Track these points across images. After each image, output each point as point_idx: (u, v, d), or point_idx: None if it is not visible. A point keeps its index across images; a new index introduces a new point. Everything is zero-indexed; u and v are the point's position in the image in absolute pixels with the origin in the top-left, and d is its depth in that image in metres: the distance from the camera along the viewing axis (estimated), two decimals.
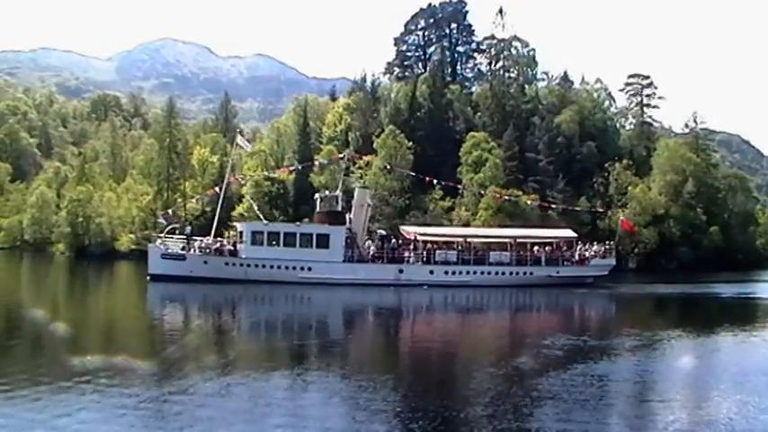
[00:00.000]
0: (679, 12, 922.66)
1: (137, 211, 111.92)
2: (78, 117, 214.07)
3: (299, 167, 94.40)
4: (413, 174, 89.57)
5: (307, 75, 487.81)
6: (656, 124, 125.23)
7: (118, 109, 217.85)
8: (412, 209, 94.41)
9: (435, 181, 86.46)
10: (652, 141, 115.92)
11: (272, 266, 60.31)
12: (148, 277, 60.05)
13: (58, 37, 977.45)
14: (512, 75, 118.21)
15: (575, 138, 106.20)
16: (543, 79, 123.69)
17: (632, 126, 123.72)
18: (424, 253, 63.33)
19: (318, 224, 66.58)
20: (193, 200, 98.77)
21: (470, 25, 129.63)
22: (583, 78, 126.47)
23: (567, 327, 41.46)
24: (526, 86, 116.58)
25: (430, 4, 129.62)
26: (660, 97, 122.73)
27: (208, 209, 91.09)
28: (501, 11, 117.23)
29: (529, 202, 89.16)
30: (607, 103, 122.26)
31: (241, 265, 60.64)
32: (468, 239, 66.66)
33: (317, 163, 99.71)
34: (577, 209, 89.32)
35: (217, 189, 79.76)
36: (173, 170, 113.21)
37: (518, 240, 66.49)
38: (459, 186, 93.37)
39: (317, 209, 69.64)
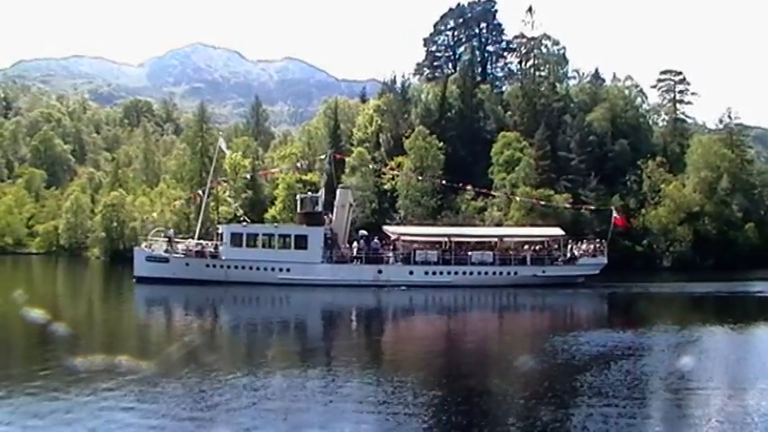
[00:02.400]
0: (712, 5, 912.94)
1: (170, 215, 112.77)
2: (111, 123, 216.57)
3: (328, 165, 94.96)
4: (443, 182, 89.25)
5: (337, 77, 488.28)
6: (689, 120, 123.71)
7: (150, 114, 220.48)
8: (444, 209, 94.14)
9: (469, 187, 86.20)
10: (685, 138, 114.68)
11: (251, 268, 60.81)
12: (134, 279, 61.42)
13: (90, 44, 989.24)
14: (542, 73, 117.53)
15: (607, 136, 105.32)
16: (574, 77, 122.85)
17: (665, 123, 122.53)
18: (404, 253, 62.77)
19: (297, 225, 67.28)
20: (176, 202, 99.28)
21: (500, 24, 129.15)
22: (614, 75, 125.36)
23: (552, 328, 40.87)
24: (557, 85, 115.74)
25: (459, 4, 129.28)
26: (693, 93, 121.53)
27: (240, 211, 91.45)
28: (530, 9, 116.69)
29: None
30: (639, 99, 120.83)
31: (221, 266, 61.32)
32: (453, 239, 65.23)
33: (347, 164, 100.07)
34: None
35: (200, 192, 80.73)
36: (205, 174, 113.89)
37: (504, 240, 65.63)
38: (489, 192, 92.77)
39: (298, 209, 70.06)
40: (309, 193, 75.70)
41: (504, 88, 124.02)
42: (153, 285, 58.34)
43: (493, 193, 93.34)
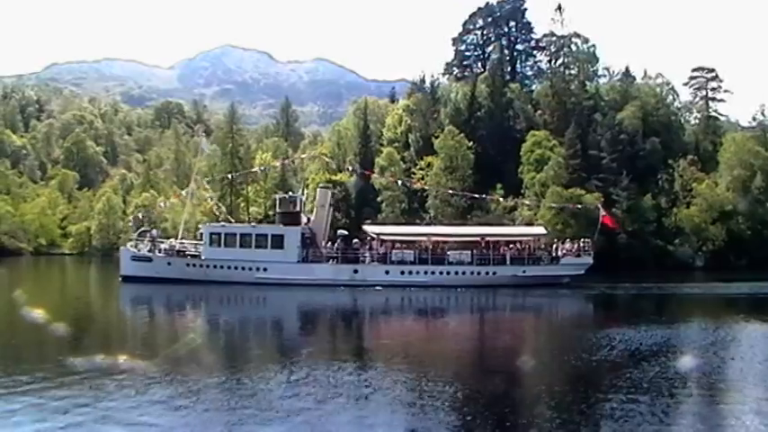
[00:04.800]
0: (745, 1, 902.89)
1: (200, 215, 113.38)
2: (142, 125, 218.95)
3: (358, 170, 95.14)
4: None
5: (366, 77, 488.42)
6: (722, 118, 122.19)
7: (181, 116, 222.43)
8: (474, 209, 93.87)
9: (500, 184, 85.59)
10: (718, 136, 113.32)
11: (229, 267, 61.21)
12: (120, 278, 62.54)
13: (122, 47, 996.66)
14: (572, 71, 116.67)
15: (638, 134, 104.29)
16: (604, 75, 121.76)
17: (697, 121, 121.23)
18: (381, 253, 62.36)
19: (275, 225, 67.78)
20: (163, 204, 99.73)
21: (529, 23, 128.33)
22: (645, 73, 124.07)
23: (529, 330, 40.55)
24: (587, 83, 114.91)
25: (488, 3, 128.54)
26: (726, 90, 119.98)
27: (270, 212, 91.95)
28: (560, 7, 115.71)
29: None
30: (671, 97, 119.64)
31: (201, 266, 61.96)
32: (433, 238, 64.49)
33: (376, 165, 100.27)
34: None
35: (184, 193, 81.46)
36: (235, 174, 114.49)
37: (486, 239, 64.47)
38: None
39: (276, 209, 70.54)
40: (289, 193, 76.41)
41: (533, 87, 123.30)
42: (137, 284, 59.35)
43: (524, 188, 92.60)
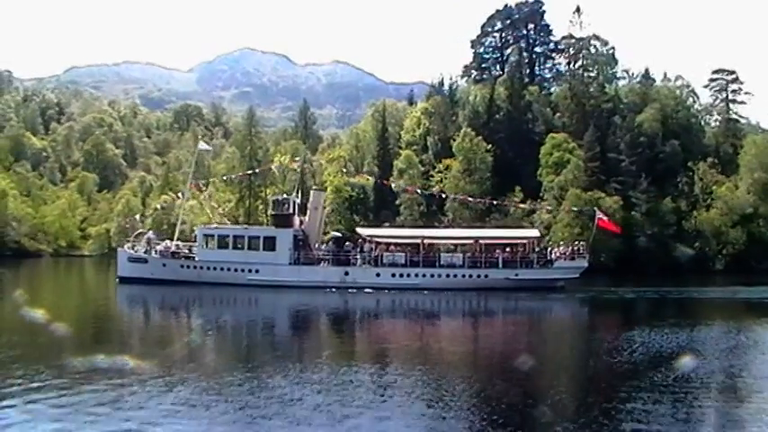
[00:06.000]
0: (764, 2, 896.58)
1: (219, 218, 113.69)
2: (161, 128, 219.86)
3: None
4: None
5: (384, 80, 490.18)
6: (742, 120, 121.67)
7: (199, 119, 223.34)
8: (492, 212, 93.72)
9: (519, 187, 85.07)
10: (739, 138, 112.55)
11: (222, 269, 61.38)
12: (117, 279, 62.97)
13: (141, 50, 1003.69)
14: (591, 74, 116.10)
15: (657, 137, 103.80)
16: (623, 77, 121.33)
17: (717, 123, 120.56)
18: (372, 255, 61.85)
19: (267, 226, 68.22)
20: (156, 206, 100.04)
21: (548, 25, 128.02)
22: (665, 75, 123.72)
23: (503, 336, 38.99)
24: (606, 85, 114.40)
25: (506, 6, 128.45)
26: (747, 92, 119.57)
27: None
28: (578, 9, 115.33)
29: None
30: (690, 99, 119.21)
31: (195, 267, 62.35)
32: (426, 241, 63.64)
33: (394, 167, 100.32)
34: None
35: (179, 194, 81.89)
36: (254, 177, 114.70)
37: (480, 242, 63.79)
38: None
39: (270, 211, 70.67)
40: (285, 195, 76.17)
41: (552, 89, 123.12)
42: (133, 285, 59.74)
43: (543, 191, 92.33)
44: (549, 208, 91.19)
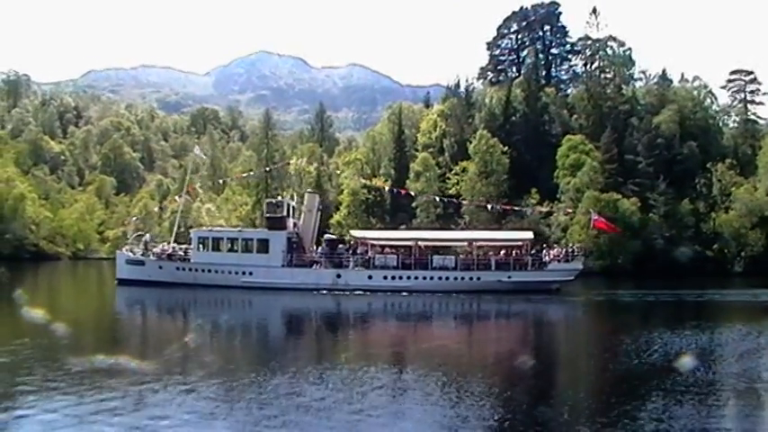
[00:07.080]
0: None
1: (236, 220, 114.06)
2: (178, 131, 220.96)
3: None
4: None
5: (401, 83, 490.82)
6: (761, 121, 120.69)
7: (216, 122, 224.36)
8: (509, 214, 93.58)
9: (535, 189, 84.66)
10: (757, 139, 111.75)
11: (216, 271, 61.65)
12: (116, 281, 63.62)
13: (158, 54, 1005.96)
14: (608, 75, 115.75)
15: (675, 138, 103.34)
16: (641, 79, 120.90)
17: (736, 124, 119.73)
18: (364, 257, 61.65)
19: (261, 229, 68.28)
20: (152, 209, 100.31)
21: (564, 27, 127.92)
22: (682, 76, 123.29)
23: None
24: (623, 87, 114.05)
25: (522, 7, 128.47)
26: (765, 93, 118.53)
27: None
28: (595, 11, 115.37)
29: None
30: (708, 100, 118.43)
31: (190, 269, 62.76)
32: (419, 243, 63.03)
33: (411, 170, 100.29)
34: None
35: (177, 198, 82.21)
36: (270, 180, 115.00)
37: (473, 244, 63.64)
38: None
39: (264, 213, 70.39)
40: (278, 197, 76.81)
41: (569, 91, 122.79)
42: (131, 287, 60.31)
43: (560, 193, 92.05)
44: (570, 210, 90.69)
